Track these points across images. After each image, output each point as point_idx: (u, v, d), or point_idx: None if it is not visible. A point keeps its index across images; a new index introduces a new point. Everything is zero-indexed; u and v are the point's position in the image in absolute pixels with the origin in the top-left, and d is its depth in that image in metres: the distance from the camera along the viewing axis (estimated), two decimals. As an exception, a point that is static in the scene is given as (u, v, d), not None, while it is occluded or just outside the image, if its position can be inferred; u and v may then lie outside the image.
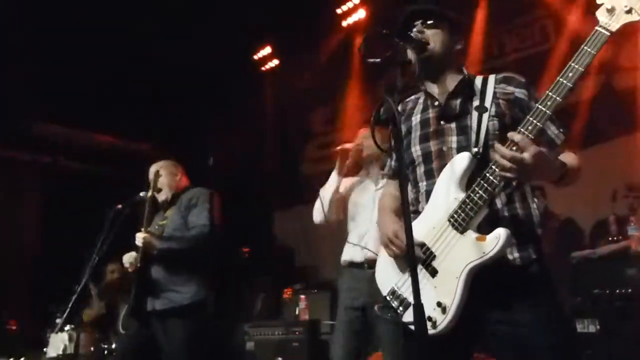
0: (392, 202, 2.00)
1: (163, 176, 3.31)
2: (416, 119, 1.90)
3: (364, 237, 2.90)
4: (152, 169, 3.40)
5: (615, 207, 4.24)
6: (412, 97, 2.01)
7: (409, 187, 2.14)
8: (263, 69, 6.99)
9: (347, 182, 3.18)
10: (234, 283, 5.77)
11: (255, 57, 6.80)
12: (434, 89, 1.88)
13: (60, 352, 3.90)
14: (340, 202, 3.12)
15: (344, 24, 6.06)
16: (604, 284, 3.37)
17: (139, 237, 3.02)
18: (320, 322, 4.81)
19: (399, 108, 1.96)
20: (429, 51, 1.79)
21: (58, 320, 4.01)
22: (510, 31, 5.22)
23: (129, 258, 3.14)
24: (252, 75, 7.06)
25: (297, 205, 6.88)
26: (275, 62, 6.85)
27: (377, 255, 2.70)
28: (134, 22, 5.51)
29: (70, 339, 3.92)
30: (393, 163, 2.04)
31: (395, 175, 2.04)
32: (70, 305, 3.06)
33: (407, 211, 1.34)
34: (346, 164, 3.09)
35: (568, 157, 1.71)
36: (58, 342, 3.94)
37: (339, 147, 3.13)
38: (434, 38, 1.81)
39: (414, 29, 1.80)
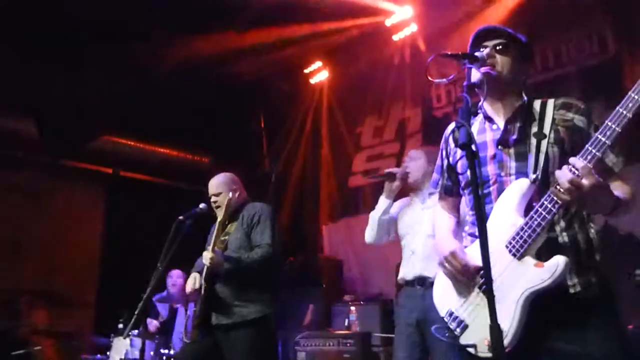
0: (447, 221, 2.03)
1: (224, 194, 3.33)
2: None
3: (411, 257, 3.02)
4: (213, 186, 3.44)
5: (681, 223, 4.07)
6: None
7: (466, 209, 2.15)
8: (312, 81, 7.09)
9: (398, 203, 3.29)
10: (284, 293, 5.84)
11: (306, 70, 6.90)
12: (492, 111, 1.88)
13: (123, 357, 4.07)
14: (391, 224, 3.24)
15: (395, 37, 6.08)
16: (671, 304, 3.23)
17: (207, 257, 3.10)
18: (371, 334, 4.82)
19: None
20: (496, 74, 1.79)
21: (120, 326, 4.20)
22: (568, 42, 5.11)
23: (191, 281, 3.26)
24: (303, 88, 7.18)
25: (345, 217, 6.92)
26: (325, 75, 6.93)
27: (425, 272, 2.81)
28: (193, 37, 5.72)
29: (132, 345, 4.08)
30: (445, 182, 2.04)
31: (446, 195, 2.06)
32: (136, 313, 3.18)
33: (484, 239, 1.36)
34: (394, 188, 3.18)
35: (622, 189, 1.68)
36: (121, 347, 4.12)
37: (386, 171, 3.22)
38: (503, 63, 1.81)
39: (484, 51, 1.80)
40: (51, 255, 6.50)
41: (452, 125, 1.99)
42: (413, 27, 5.90)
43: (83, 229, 7.05)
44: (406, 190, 3.31)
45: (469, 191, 1.90)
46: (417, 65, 6.02)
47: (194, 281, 3.27)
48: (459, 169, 1.93)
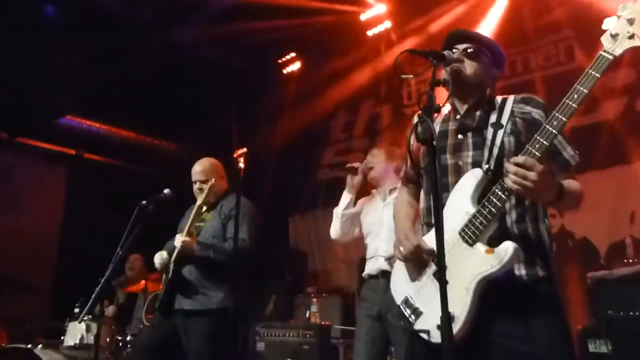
0: (405, 207, 2.08)
1: (213, 182, 3.22)
2: (435, 129, 1.94)
3: (375, 255, 3.06)
4: (200, 170, 3.32)
5: (633, 229, 4.24)
6: None
7: (422, 197, 2.20)
8: (285, 71, 7.05)
9: (362, 200, 3.34)
10: (246, 283, 5.82)
11: (279, 60, 6.87)
12: (459, 104, 1.94)
13: (78, 342, 3.98)
14: (355, 219, 3.28)
15: (369, 33, 6.11)
16: (618, 306, 3.36)
17: (179, 240, 3.04)
18: (331, 326, 4.86)
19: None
20: (462, 77, 1.84)
21: (76, 310, 4.11)
22: (536, 49, 5.24)
23: (160, 258, 3.19)
24: (274, 79, 7.13)
25: (312, 210, 6.94)
26: (297, 65, 6.91)
27: (389, 267, 2.86)
28: (164, 20, 5.62)
29: (87, 330, 3.99)
30: (408, 169, 2.10)
31: (408, 181, 2.12)
32: (93, 297, 3.11)
33: (439, 227, 1.38)
34: (355, 182, 3.25)
35: (572, 183, 1.74)
36: (76, 331, 4.02)
37: (348, 165, 3.27)
38: (471, 68, 1.86)
39: (454, 54, 1.85)
40: (7, 236, 6.30)
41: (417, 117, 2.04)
42: (387, 24, 5.93)
43: (42, 211, 6.86)
44: (369, 187, 3.35)
45: (426, 180, 1.95)
46: (389, 62, 6.07)
47: (161, 258, 3.21)
48: (421, 160, 1.97)
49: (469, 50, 1.87)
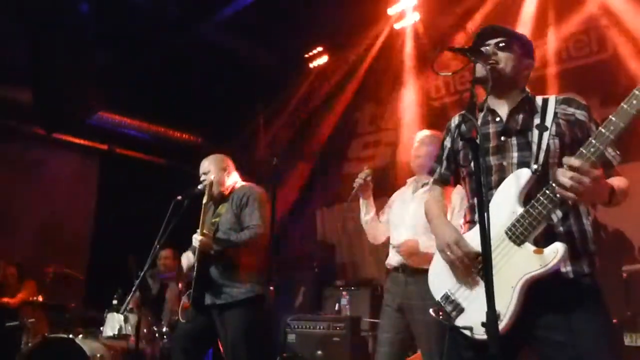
0: (438, 207, 2.09)
1: (214, 174, 3.36)
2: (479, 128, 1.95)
3: (400, 246, 3.04)
4: (203, 166, 3.47)
5: (668, 221, 4.16)
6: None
7: (457, 194, 2.19)
8: (311, 65, 7.06)
9: (398, 192, 3.33)
10: (276, 276, 5.90)
11: (306, 54, 6.88)
12: (496, 104, 1.94)
13: (116, 332, 4.11)
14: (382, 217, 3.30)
15: (397, 26, 6.07)
16: (656, 300, 3.32)
17: (196, 239, 3.14)
18: (361, 319, 4.90)
19: (456, 122, 2.05)
20: (498, 70, 1.86)
21: (115, 302, 4.24)
22: (568, 39, 5.13)
23: (187, 260, 3.30)
24: (301, 73, 7.15)
25: (339, 203, 6.96)
26: (324, 59, 6.91)
27: (407, 261, 2.88)
28: (193, 18, 5.69)
29: (125, 320, 4.12)
30: (443, 171, 2.10)
31: (442, 182, 2.13)
32: (133, 290, 3.22)
33: (484, 226, 1.40)
34: (365, 196, 3.23)
35: (617, 180, 1.76)
36: (114, 322, 4.15)
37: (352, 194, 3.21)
38: (505, 60, 1.88)
39: (487, 48, 1.87)
40: (42, 228, 6.49)
41: (456, 117, 2.07)
42: (415, 16, 5.88)
43: (76, 203, 7.03)
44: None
45: (470, 181, 1.96)
46: (418, 55, 6.02)
47: (187, 260, 3.33)
48: (461, 160, 1.99)
49: (500, 44, 1.89)
